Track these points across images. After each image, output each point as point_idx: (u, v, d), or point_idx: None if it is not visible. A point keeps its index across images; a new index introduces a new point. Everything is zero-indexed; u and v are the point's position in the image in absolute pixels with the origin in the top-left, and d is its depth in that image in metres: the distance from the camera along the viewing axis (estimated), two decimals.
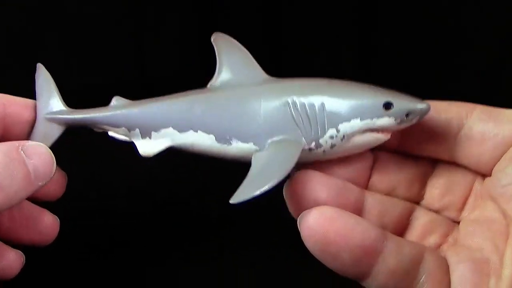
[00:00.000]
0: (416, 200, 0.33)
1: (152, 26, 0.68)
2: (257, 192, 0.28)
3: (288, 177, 0.31)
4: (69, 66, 0.64)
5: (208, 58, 0.36)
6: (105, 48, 0.66)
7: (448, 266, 0.29)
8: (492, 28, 0.59)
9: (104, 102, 0.67)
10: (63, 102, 0.36)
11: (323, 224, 0.27)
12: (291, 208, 0.31)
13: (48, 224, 0.36)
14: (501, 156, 0.29)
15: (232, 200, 0.28)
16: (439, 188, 0.32)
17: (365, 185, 0.33)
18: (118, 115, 0.34)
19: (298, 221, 0.29)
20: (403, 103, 0.30)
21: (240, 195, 0.29)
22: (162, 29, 0.68)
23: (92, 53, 0.65)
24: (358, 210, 0.31)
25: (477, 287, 0.28)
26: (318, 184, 0.30)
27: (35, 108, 0.35)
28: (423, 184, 0.33)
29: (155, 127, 0.33)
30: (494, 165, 0.30)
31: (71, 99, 0.37)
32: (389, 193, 0.32)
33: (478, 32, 0.61)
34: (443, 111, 0.31)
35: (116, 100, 0.36)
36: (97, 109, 0.35)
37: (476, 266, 0.28)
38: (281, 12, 0.68)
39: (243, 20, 0.68)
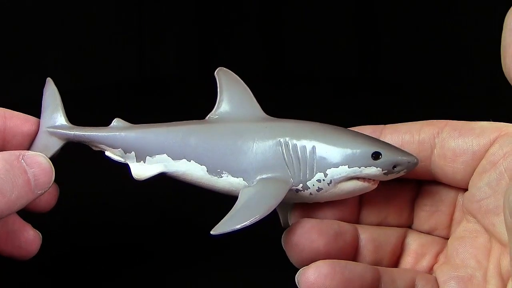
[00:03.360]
0: (407, 225, 0.33)
1: (152, 27, 0.68)
2: (238, 227, 0.29)
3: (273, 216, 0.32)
4: (70, 66, 0.64)
5: (208, 59, 0.37)
6: (105, 49, 0.66)
7: (438, 286, 0.30)
8: (493, 27, 0.59)
9: (104, 102, 0.67)
10: (66, 118, 0.36)
11: (323, 281, 0.28)
12: (292, 259, 0.31)
13: (28, 239, 0.35)
14: (474, 171, 0.30)
15: (213, 232, 0.29)
16: (425, 210, 0.33)
17: (356, 220, 0.33)
18: (116, 136, 0.35)
19: (296, 279, 0.30)
20: (392, 155, 0.30)
21: (221, 228, 0.29)
22: (162, 30, 0.68)
23: (92, 54, 0.65)
24: (355, 248, 0.32)
25: None
26: (314, 233, 0.30)
27: (34, 122, 0.36)
28: (411, 208, 0.33)
29: (150, 152, 0.34)
30: (469, 179, 0.30)
31: (72, 99, 0.38)
32: (380, 223, 0.33)
33: (478, 31, 0.61)
34: (416, 132, 0.31)
35: (116, 122, 0.36)
36: (97, 128, 0.36)
37: (460, 284, 0.29)
38: (281, 12, 0.68)
39: (243, 20, 0.68)
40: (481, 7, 0.60)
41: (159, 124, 0.36)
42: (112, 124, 0.36)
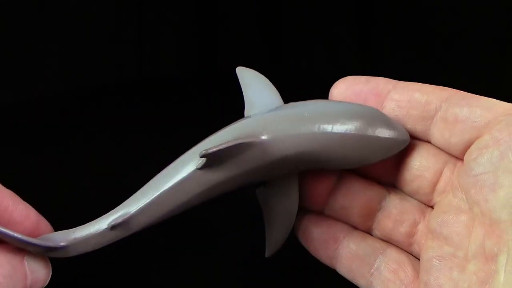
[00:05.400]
0: (390, 182, 0.33)
1: (152, 27, 0.68)
2: (283, 241, 0.32)
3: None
4: (70, 66, 0.64)
5: (208, 59, 0.37)
6: (105, 49, 0.66)
7: (412, 258, 0.31)
8: (493, 27, 0.60)
9: (104, 102, 0.67)
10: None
11: (305, 225, 0.32)
12: None
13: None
14: (469, 140, 0.30)
15: (268, 254, 0.32)
16: (410, 172, 0.33)
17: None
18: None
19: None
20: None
21: (272, 249, 0.32)
22: (162, 30, 0.68)
23: (92, 54, 0.65)
24: (333, 188, 0.33)
25: (440, 279, 0.29)
26: None
27: (37, 224, 0.30)
28: (396, 166, 0.33)
29: None
30: (463, 148, 0.30)
31: (72, 99, 0.38)
32: (362, 175, 0.33)
33: (478, 31, 0.61)
34: (426, 92, 0.32)
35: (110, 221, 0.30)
36: (94, 227, 0.30)
37: (441, 262, 0.30)
38: (281, 12, 0.68)
39: (243, 20, 0.68)
40: (481, 7, 0.60)
41: (153, 192, 0.29)
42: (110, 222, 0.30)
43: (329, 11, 0.67)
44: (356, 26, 0.67)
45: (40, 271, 0.29)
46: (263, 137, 0.29)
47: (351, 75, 0.33)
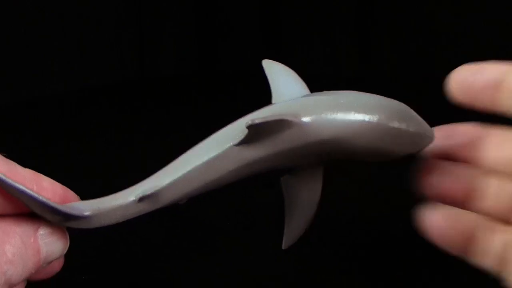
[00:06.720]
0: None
1: (152, 27, 0.68)
2: (301, 234, 0.31)
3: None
4: (70, 66, 0.64)
5: (208, 59, 0.37)
6: (105, 49, 0.66)
7: None
8: (492, 26, 0.60)
9: (104, 102, 0.67)
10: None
11: (443, 225, 0.30)
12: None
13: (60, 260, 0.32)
14: None
15: (284, 246, 0.31)
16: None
17: None
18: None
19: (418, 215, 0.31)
20: None
21: (289, 241, 0.31)
22: (162, 30, 0.68)
23: (93, 54, 0.65)
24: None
25: None
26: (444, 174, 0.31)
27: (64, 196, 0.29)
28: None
29: None
30: None
31: (72, 99, 0.38)
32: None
33: (478, 30, 0.61)
34: (487, 71, 0.31)
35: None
36: (121, 198, 0.30)
37: None
38: (280, 11, 0.68)
39: (242, 20, 0.68)
40: (481, 7, 0.61)
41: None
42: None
43: (329, 11, 0.67)
44: (356, 26, 0.67)
45: (54, 244, 0.25)
46: (302, 118, 0.29)
47: (351, 74, 0.33)
